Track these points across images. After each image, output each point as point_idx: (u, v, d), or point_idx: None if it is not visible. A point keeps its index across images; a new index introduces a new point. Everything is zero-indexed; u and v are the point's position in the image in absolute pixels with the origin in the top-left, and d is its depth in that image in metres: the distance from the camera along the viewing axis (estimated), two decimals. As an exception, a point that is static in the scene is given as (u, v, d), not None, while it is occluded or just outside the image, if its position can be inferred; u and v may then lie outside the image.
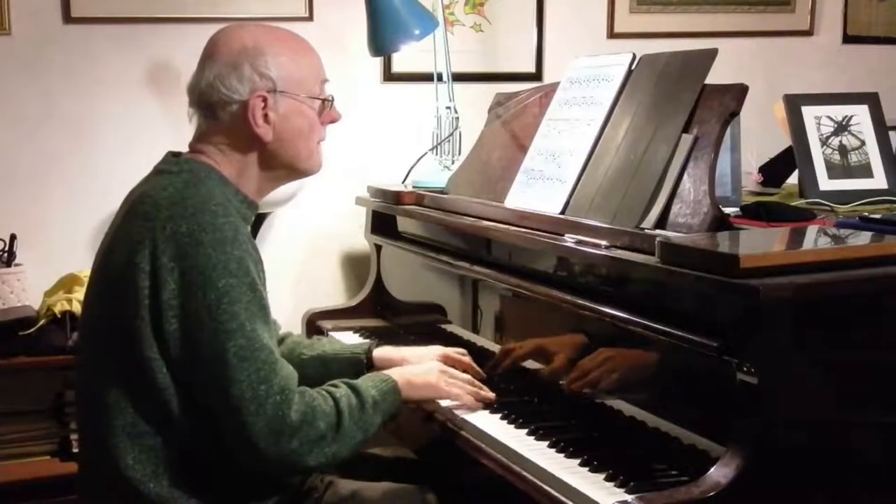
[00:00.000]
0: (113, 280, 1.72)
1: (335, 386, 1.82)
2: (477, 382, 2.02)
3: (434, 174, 2.83)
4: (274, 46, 1.82)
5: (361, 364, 2.10)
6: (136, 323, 1.67)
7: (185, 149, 1.90)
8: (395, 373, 1.94)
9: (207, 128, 1.84)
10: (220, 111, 1.81)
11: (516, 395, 2.05)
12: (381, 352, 2.13)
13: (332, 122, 1.92)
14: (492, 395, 2.01)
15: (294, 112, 1.83)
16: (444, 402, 2.01)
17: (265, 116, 1.80)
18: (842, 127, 2.45)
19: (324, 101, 1.88)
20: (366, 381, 1.87)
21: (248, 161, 1.84)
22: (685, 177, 1.88)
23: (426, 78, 3.04)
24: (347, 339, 2.65)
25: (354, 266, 3.20)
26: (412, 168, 2.85)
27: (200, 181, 1.76)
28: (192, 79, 1.84)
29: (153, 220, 1.69)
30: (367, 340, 2.40)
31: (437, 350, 2.13)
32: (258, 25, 1.88)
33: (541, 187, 2.20)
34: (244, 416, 1.65)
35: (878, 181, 2.40)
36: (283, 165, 1.87)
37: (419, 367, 2.02)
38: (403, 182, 2.85)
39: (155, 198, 1.73)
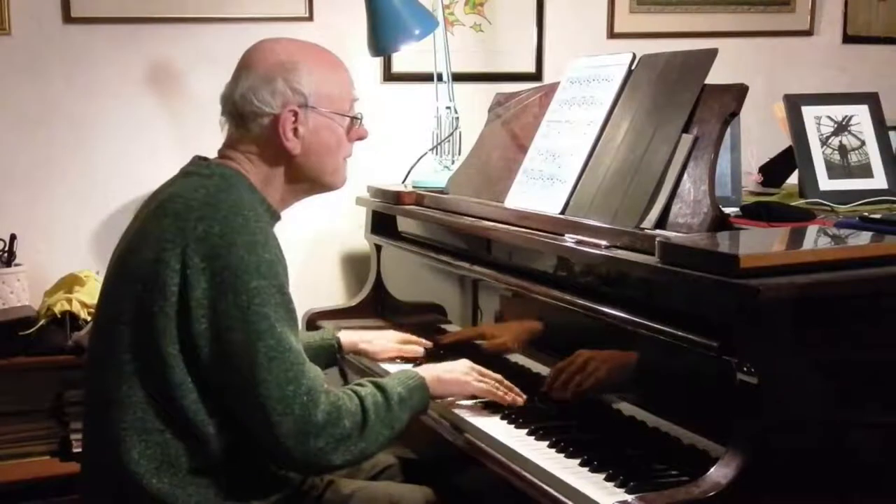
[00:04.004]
0: (137, 276, 1.73)
1: (361, 385, 1.83)
2: (507, 382, 2.02)
3: (434, 174, 2.84)
4: (308, 62, 1.85)
5: (333, 349, 2.26)
6: (159, 319, 1.69)
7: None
8: (423, 370, 1.96)
9: (238, 137, 1.87)
10: (251, 122, 1.84)
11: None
12: (346, 336, 2.31)
13: (360, 139, 1.96)
14: (522, 396, 1.99)
15: (323, 127, 1.87)
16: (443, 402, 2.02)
17: (295, 130, 1.84)
18: (842, 127, 2.45)
19: (353, 118, 1.92)
20: (392, 379, 1.88)
21: (275, 172, 1.87)
22: (685, 177, 1.88)
23: (426, 78, 3.04)
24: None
25: (354, 266, 3.20)
26: (412, 168, 2.86)
27: (231, 186, 1.79)
28: (225, 88, 1.88)
29: (185, 220, 1.72)
30: (332, 328, 2.41)
31: (395, 333, 2.39)
32: (294, 40, 1.91)
33: (541, 187, 2.20)
34: (271, 415, 1.67)
35: (878, 181, 2.40)
36: (308, 178, 1.90)
37: (448, 363, 2.04)
38: (403, 182, 2.86)
39: (187, 198, 1.75)
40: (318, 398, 1.70)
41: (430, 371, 1.96)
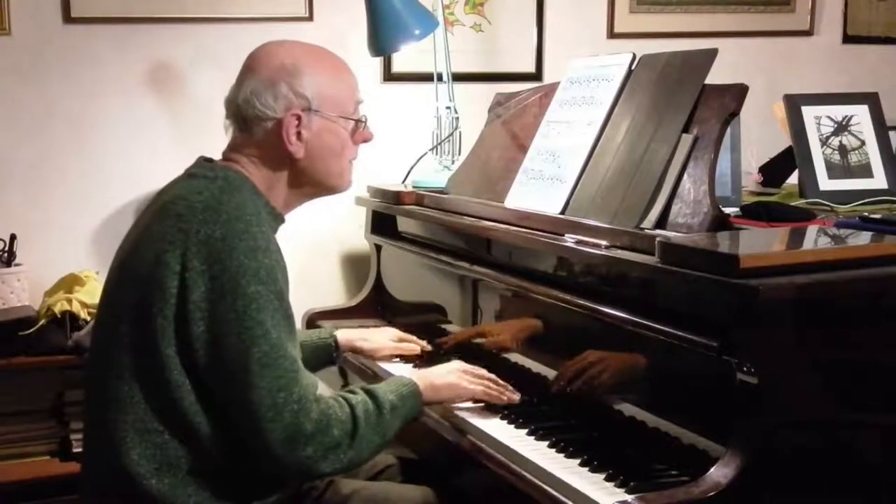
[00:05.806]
0: (138, 277, 1.73)
1: (353, 392, 1.82)
2: (501, 381, 2.02)
3: (434, 174, 2.83)
4: (312, 66, 1.84)
5: (331, 349, 2.26)
6: (158, 320, 1.68)
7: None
8: (417, 376, 1.95)
9: (241, 140, 1.86)
10: (254, 126, 1.83)
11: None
12: (343, 334, 2.31)
13: (365, 141, 1.94)
14: (517, 395, 2.00)
15: (327, 131, 1.86)
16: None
17: (298, 134, 1.83)
18: (842, 127, 2.45)
19: (357, 121, 1.90)
20: (385, 386, 1.87)
21: (279, 176, 1.86)
22: (685, 177, 1.88)
23: (426, 78, 3.04)
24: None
25: (354, 266, 3.20)
26: (412, 168, 2.86)
27: (235, 189, 1.78)
28: (229, 92, 1.87)
29: (187, 223, 1.71)
30: (331, 327, 2.41)
31: (393, 331, 2.40)
32: (298, 43, 1.90)
33: (541, 187, 2.20)
34: (261, 422, 1.67)
35: (878, 181, 2.40)
36: (312, 182, 1.89)
37: (440, 367, 2.04)
38: (403, 182, 2.86)
39: (190, 201, 1.74)
40: (309, 407, 1.69)
41: (423, 377, 1.95)
